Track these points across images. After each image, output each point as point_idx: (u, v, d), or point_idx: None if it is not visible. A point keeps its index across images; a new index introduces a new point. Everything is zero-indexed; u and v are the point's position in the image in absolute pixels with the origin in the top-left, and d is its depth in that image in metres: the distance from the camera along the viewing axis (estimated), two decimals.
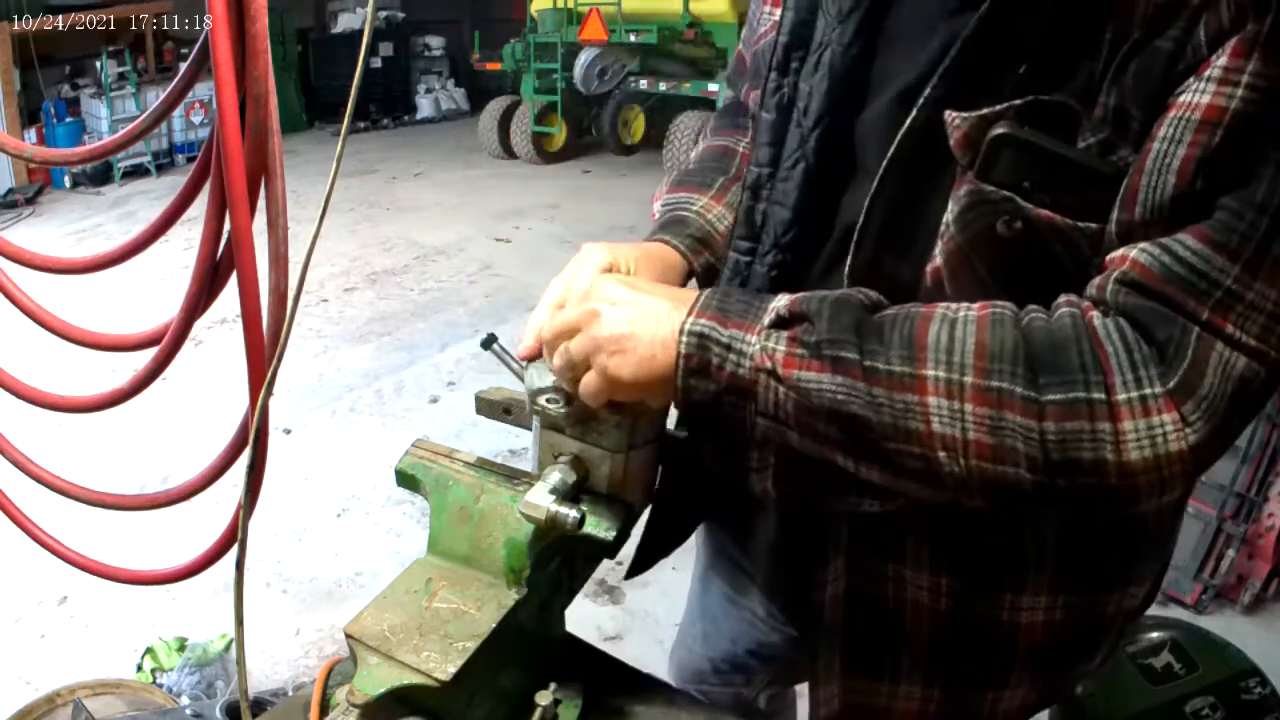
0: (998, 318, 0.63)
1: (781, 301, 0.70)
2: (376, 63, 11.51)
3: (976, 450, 0.61)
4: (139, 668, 2.24)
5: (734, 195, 0.97)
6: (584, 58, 8.17)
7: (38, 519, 1.43)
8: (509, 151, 9.18)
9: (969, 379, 0.61)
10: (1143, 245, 0.61)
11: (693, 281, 0.95)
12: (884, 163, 0.71)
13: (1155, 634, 1.66)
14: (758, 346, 0.68)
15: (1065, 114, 0.64)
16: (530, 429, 0.86)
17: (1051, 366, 0.60)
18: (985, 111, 0.65)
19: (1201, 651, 1.63)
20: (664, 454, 0.87)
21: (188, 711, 1.51)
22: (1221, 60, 0.58)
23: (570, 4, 8.24)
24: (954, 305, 0.66)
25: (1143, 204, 0.61)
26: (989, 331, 0.62)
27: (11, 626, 2.61)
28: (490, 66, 9.66)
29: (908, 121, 0.69)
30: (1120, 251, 0.63)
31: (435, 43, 12.61)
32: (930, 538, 0.81)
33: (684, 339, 0.70)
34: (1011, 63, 0.65)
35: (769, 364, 0.67)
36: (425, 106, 12.22)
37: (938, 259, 0.71)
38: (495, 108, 9.29)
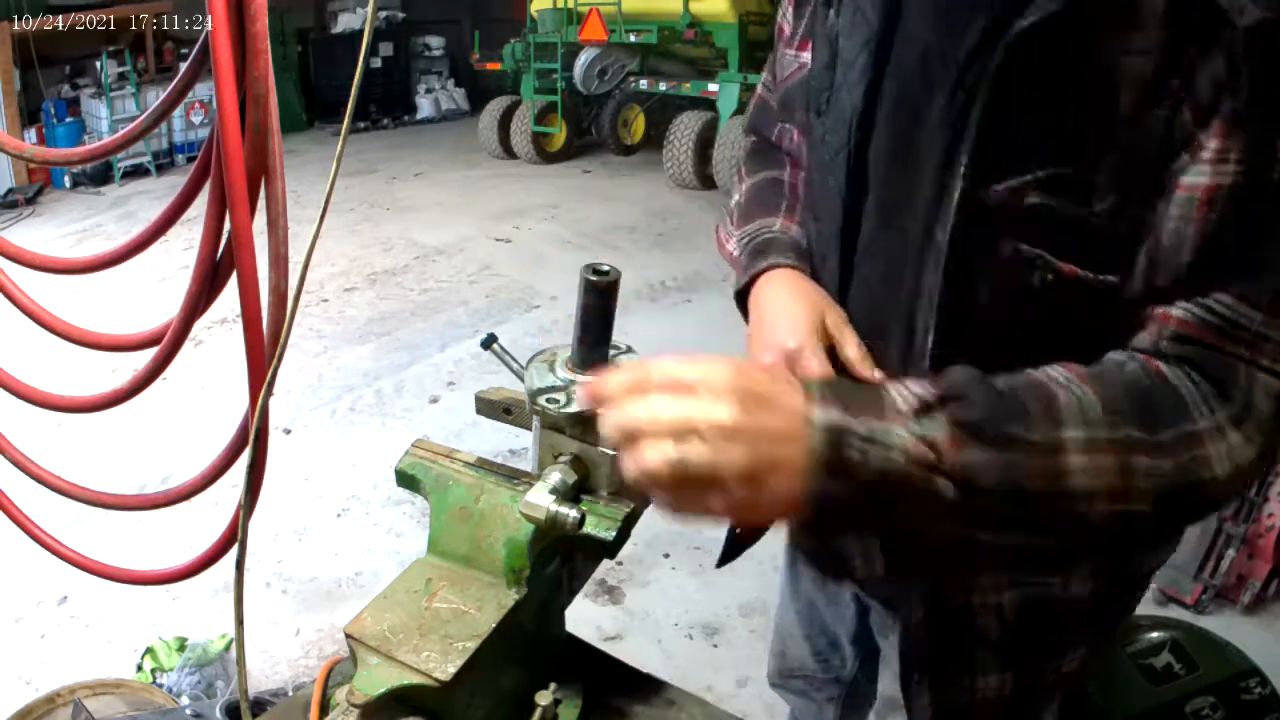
0: (1095, 374, 0.71)
1: (916, 387, 0.67)
2: (376, 63, 11.51)
3: (1109, 495, 0.67)
4: (139, 668, 2.24)
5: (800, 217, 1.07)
6: (584, 58, 8.17)
7: (38, 519, 1.44)
8: (509, 151, 9.18)
9: (1102, 434, 0.67)
10: (1181, 304, 0.71)
11: None
12: (947, 235, 0.78)
13: (1155, 634, 1.66)
14: (909, 435, 0.64)
15: (1081, 184, 0.73)
16: (530, 429, 0.86)
17: (1150, 410, 0.68)
18: (1014, 183, 0.75)
19: (1201, 651, 1.63)
20: None
21: (188, 711, 1.51)
22: (1212, 142, 0.67)
23: (570, 4, 8.24)
24: (1047, 370, 0.71)
25: (1167, 269, 0.72)
26: (1099, 387, 0.69)
27: (11, 626, 2.61)
28: (490, 66, 9.67)
29: (955, 200, 0.77)
30: (1160, 309, 0.72)
31: (435, 43, 12.61)
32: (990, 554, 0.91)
33: (813, 432, 0.63)
34: (1028, 140, 0.74)
35: (928, 454, 0.64)
36: (425, 106, 12.22)
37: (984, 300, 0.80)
38: (495, 108, 9.30)
